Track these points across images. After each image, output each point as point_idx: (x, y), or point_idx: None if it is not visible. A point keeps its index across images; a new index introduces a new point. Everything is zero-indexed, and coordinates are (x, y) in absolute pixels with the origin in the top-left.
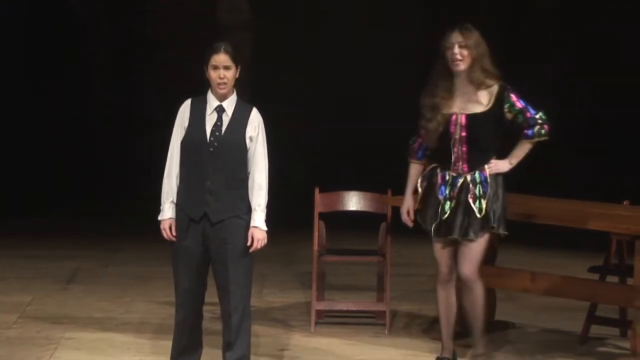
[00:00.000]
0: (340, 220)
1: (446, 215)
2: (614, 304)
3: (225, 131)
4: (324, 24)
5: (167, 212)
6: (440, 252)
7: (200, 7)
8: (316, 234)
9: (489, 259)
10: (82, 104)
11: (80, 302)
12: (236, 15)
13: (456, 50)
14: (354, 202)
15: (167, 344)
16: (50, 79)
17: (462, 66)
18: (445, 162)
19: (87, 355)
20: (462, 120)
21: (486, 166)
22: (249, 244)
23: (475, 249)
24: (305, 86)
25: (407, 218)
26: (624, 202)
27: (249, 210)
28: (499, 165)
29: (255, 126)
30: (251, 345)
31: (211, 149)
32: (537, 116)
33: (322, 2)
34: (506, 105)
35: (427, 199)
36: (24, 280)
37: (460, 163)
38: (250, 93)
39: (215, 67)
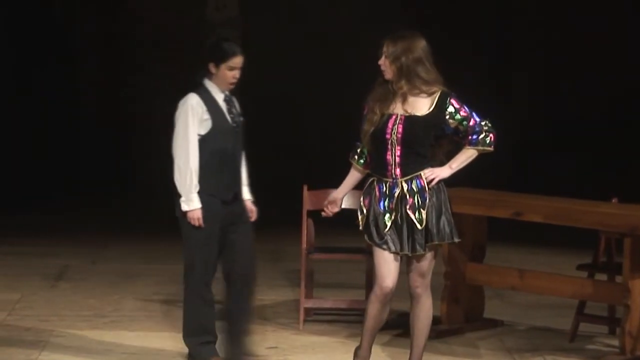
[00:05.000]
0: (329, 218)
1: (387, 229)
2: (602, 302)
3: (237, 115)
4: (309, 20)
5: (198, 202)
6: (386, 266)
7: (188, 5)
8: (304, 231)
9: (477, 256)
10: (69, 102)
11: (68, 299)
12: (224, 13)
13: (381, 60)
14: (342, 199)
15: (157, 341)
16: (36, 79)
17: (387, 75)
18: (380, 169)
19: (75, 353)
20: (400, 121)
21: (422, 173)
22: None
23: (426, 262)
24: (293, 83)
25: (327, 209)
26: (612, 200)
27: None
28: (437, 172)
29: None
30: None
31: (235, 134)
32: (483, 123)
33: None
34: (447, 112)
35: (370, 215)
36: (12, 277)
37: (394, 168)
38: (238, 90)
39: (232, 68)
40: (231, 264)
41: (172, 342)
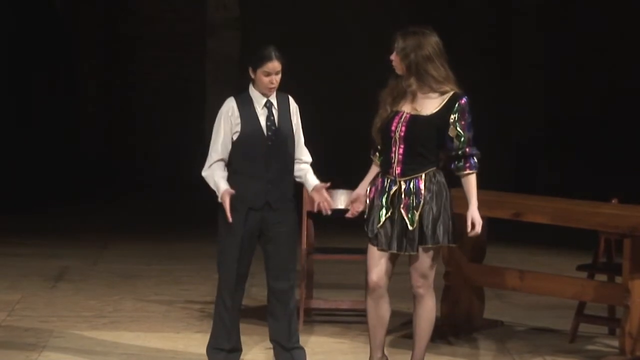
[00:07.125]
0: (329, 219)
1: (380, 224)
2: (602, 302)
3: (278, 124)
4: (311, 22)
5: (225, 185)
6: (373, 260)
7: (188, 5)
8: (304, 232)
9: (477, 257)
10: (67, 103)
11: (69, 300)
12: (224, 13)
13: (392, 56)
14: (342, 200)
15: (156, 342)
16: (35, 79)
17: (398, 71)
18: (385, 165)
19: (75, 353)
20: (405, 119)
21: (468, 231)
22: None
23: (424, 261)
24: (295, 85)
25: (352, 209)
26: (613, 200)
27: (293, 192)
28: (475, 218)
29: (295, 112)
30: None
31: (269, 143)
32: (473, 150)
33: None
34: (453, 116)
35: (371, 207)
36: (12, 278)
37: (395, 165)
38: (236, 92)
39: (268, 74)
40: (267, 275)
41: (172, 342)
